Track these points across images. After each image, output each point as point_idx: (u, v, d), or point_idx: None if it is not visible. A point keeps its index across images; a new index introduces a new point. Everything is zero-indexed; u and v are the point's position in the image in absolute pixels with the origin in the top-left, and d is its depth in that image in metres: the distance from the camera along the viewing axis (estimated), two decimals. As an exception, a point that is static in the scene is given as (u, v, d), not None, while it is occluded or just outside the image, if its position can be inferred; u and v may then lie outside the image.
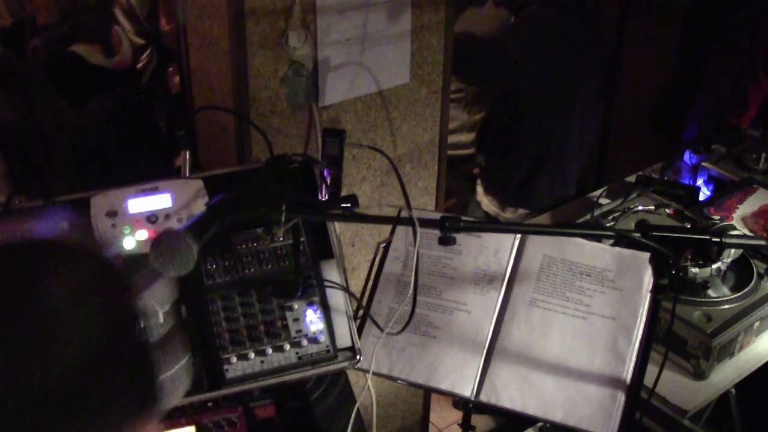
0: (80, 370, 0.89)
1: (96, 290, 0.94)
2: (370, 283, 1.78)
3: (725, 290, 2.22)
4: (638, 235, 1.48)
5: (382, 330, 1.68)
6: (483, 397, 1.65)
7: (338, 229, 1.68)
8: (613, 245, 1.76)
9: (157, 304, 1.10)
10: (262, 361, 1.55)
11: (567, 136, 3.04)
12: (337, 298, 1.62)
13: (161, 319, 1.38)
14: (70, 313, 0.90)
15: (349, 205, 1.65)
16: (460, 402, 1.83)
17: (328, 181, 1.67)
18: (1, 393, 0.88)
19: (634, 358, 1.61)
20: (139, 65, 3.38)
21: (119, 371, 0.95)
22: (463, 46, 2.41)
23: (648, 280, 1.65)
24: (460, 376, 1.67)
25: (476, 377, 1.66)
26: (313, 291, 1.60)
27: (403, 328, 1.64)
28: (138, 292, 1.02)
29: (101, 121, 2.30)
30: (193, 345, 1.52)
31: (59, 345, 0.88)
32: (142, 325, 1.01)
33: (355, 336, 1.62)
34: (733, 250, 2.19)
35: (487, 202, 3.22)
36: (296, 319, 1.58)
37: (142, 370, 1.03)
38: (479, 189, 3.27)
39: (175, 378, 1.07)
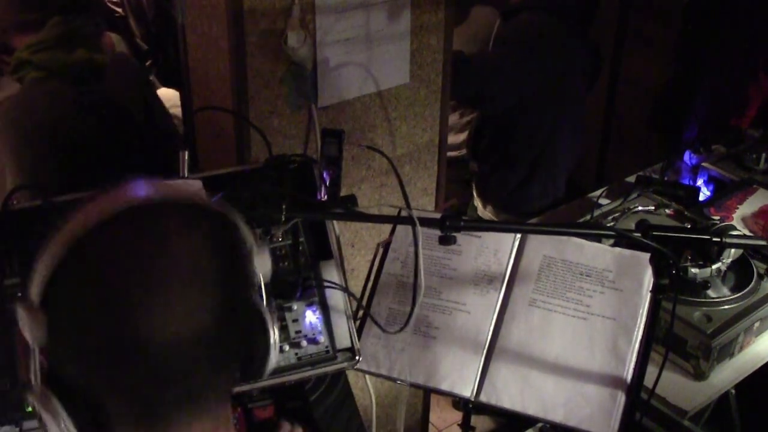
0: (187, 343, 0.88)
1: (217, 251, 0.92)
2: (370, 283, 1.78)
3: (725, 290, 2.21)
4: (638, 234, 1.48)
5: (383, 330, 1.68)
6: (483, 398, 1.64)
7: (338, 229, 1.68)
8: (613, 245, 1.75)
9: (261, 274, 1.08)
10: (262, 362, 1.54)
11: (560, 141, 3.03)
12: (336, 299, 1.61)
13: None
14: (185, 285, 0.88)
15: (348, 205, 1.65)
16: (460, 402, 1.83)
17: (328, 181, 1.66)
18: (98, 345, 0.87)
19: (634, 359, 1.60)
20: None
21: (229, 344, 0.93)
22: (454, 68, 2.35)
23: (648, 280, 1.64)
24: (460, 376, 1.66)
25: (476, 377, 1.66)
26: (313, 291, 1.60)
27: (402, 328, 1.64)
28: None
29: (75, 115, 2.25)
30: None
31: (168, 315, 0.87)
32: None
33: (355, 336, 1.61)
34: (733, 251, 2.19)
35: (481, 208, 3.21)
36: (295, 320, 1.58)
37: (252, 340, 1.02)
38: (474, 194, 3.27)
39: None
